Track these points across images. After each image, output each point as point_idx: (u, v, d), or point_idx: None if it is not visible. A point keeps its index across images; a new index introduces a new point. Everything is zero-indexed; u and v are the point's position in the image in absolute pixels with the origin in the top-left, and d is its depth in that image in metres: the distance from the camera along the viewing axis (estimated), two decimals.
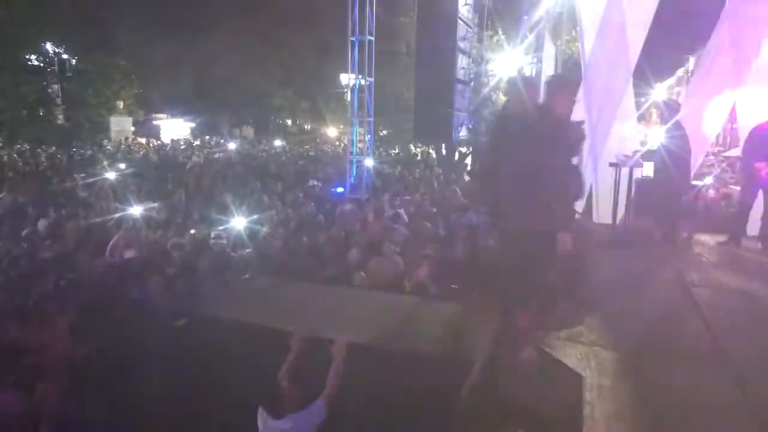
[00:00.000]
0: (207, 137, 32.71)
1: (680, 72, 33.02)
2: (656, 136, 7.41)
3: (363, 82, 12.75)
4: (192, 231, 7.72)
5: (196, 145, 28.00)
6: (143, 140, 30.96)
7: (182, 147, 26.18)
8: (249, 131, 37.58)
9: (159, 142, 30.86)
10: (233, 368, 3.99)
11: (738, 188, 8.16)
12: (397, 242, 7.20)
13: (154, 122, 36.54)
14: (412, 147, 22.38)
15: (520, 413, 2.78)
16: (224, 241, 7.37)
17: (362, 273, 6.31)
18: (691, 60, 29.46)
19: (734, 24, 7.69)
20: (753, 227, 6.88)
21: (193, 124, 37.50)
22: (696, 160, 7.77)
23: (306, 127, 37.47)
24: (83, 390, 3.91)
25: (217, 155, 21.46)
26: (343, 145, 24.66)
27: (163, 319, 4.81)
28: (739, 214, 6.97)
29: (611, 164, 7.08)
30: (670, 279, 5.68)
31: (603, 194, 7.80)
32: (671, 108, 7.01)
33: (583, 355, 3.86)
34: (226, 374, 4.01)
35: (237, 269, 6.25)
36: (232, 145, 25.93)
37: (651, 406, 3.25)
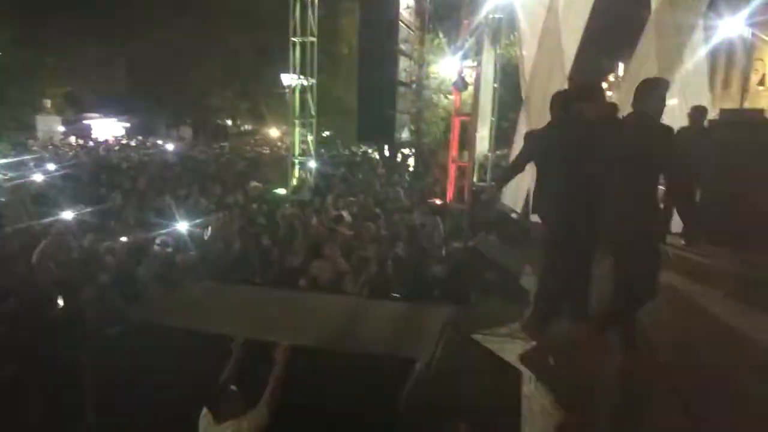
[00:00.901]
0: (140, 137, 31.56)
1: (611, 77, 34.62)
2: None
3: (305, 83, 12.66)
4: (124, 238, 7.39)
5: (132, 145, 26.98)
6: (73, 140, 29.52)
7: (116, 148, 25.16)
8: (187, 132, 36.50)
9: (91, 143, 29.54)
10: (173, 375, 3.87)
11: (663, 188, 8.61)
12: (340, 244, 7.19)
13: (85, 122, 34.92)
14: (354, 148, 22.41)
15: (462, 409, 2.83)
16: (170, 249, 7.12)
17: (305, 276, 6.27)
18: (620, 65, 30.98)
19: (659, 32, 8.11)
20: (676, 225, 7.27)
21: (127, 124, 36.10)
22: None
23: (246, 127, 36.77)
24: (12, 408, 3.70)
25: (153, 156, 20.75)
26: (285, 146, 24.39)
27: (96, 329, 4.62)
28: (665, 212, 7.35)
29: None
30: (603, 275, 5.92)
31: None
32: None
33: (521, 350, 3.97)
34: (165, 381, 3.89)
35: (179, 274, 6.08)
36: (169, 146, 25.13)
37: (585, 397, 3.38)
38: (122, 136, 33.46)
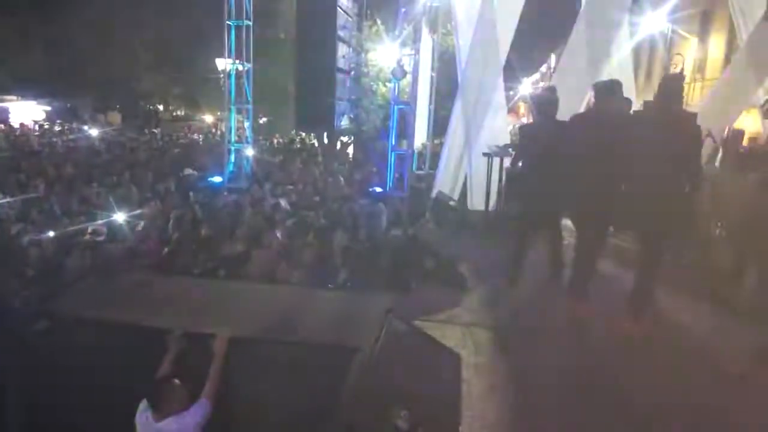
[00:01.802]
0: (59, 121, 29.84)
1: (543, 68, 35.68)
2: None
3: (241, 67, 12.34)
4: (51, 232, 6.99)
5: (57, 130, 25.50)
6: None
7: (36, 134, 23.73)
8: (115, 117, 34.82)
9: (7, 126, 27.68)
10: (106, 371, 3.73)
11: None
12: (279, 232, 7.11)
13: (2, 104, 32.64)
14: (293, 135, 22.13)
15: (404, 395, 2.89)
16: (102, 237, 6.82)
17: (245, 265, 6.17)
18: (553, 57, 32.00)
19: (589, 26, 8.43)
20: None
21: (48, 108, 34.03)
22: None
23: (179, 113, 35.49)
24: None
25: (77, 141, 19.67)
26: (220, 132, 23.80)
27: (19, 324, 4.38)
28: None
29: (484, 154, 7.50)
30: (538, 261, 6.16)
31: (477, 183, 8.24)
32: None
33: (460, 336, 4.09)
34: (97, 377, 3.74)
35: (111, 266, 5.84)
36: (95, 132, 23.93)
37: (521, 380, 3.53)
38: (43, 120, 31.56)
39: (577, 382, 3.47)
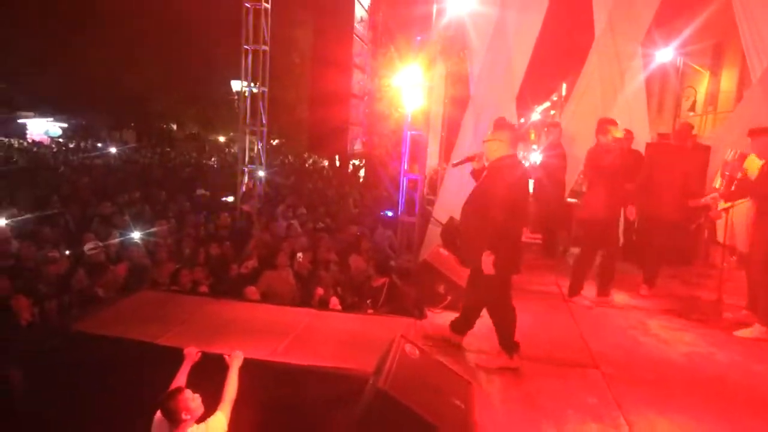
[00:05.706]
0: (74, 140, 30.27)
1: (554, 96, 35.90)
2: (536, 155, 8.00)
3: (256, 90, 12.52)
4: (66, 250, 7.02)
5: (72, 147, 25.87)
6: (5, 139, 28.00)
7: (54, 150, 24.08)
8: (130, 135, 35.31)
9: (24, 142, 28.09)
10: (118, 387, 3.73)
11: None
12: (290, 254, 7.13)
13: (20, 120, 33.20)
14: (306, 157, 22.34)
15: (418, 423, 2.86)
16: (100, 253, 6.84)
17: (254, 286, 6.17)
18: (564, 86, 32.26)
19: (601, 58, 8.52)
20: None
21: (65, 125, 34.57)
22: (571, 178, 8.44)
23: (193, 132, 35.92)
24: None
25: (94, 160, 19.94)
26: (233, 153, 24.06)
27: (31, 341, 4.40)
28: None
29: None
30: (552, 292, 6.15)
31: None
32: (553, 129, 7.63)
33: (471, 363, 4.07)
34: (109, 393, 3.74)
35: (116, 283, 5.87)
36: (112, 150, 24.27)
37: (533, 409, 3.49)
38: (59, 137, 32.05)
39: (593, 412, 3.44)
